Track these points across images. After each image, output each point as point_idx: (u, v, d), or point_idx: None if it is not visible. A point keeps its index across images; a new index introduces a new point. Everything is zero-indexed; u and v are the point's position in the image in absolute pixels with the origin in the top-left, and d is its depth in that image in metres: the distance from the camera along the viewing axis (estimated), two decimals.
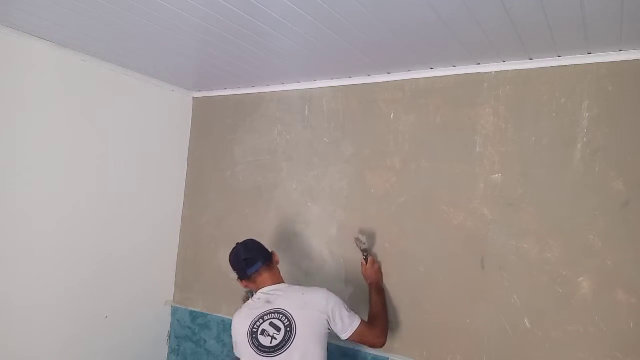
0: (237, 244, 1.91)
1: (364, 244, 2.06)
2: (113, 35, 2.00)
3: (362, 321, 1.81)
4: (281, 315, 1.70)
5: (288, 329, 1.67)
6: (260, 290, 1.83)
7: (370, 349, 2.13)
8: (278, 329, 1.68)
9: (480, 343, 1.90)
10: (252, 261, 1.83)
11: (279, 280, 1.89)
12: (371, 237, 2.17)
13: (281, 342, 1.66)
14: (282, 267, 2.42)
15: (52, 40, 2.13)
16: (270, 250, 1.95)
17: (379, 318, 1.91)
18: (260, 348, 1.68)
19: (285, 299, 1.76)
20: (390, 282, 2.13)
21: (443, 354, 1.98)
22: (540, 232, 1.83)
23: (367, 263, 2.07)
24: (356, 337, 1.79)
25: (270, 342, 1.67)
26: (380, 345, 1.85)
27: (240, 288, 2.05)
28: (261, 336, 1.69)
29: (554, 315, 1.77)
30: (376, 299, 1.98)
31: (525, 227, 1.86)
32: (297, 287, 1.87)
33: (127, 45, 2.12)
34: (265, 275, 1.85)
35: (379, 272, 2.10)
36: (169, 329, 2.88)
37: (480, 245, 1.94)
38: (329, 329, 1.75)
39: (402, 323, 2.09)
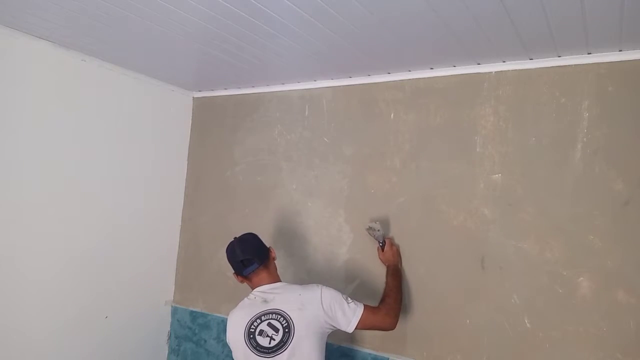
0: (235, 238, 1.88)
1: (379, 230, 2.01)
2: (113, 35, 2.00)
3: (366, 307, 1.75)
4: (279, 316, 1.69)
5: (286, 330, 1.67)
6: (257, 289, 1.81)
7: (369, 349, 2.14)
8: (276, 330, 1.68)
9: (480, 343, 1.90)
10: (249, 262, 1.80)
11: (275, 279, 1.86)
12: (384, 223, 2.15)
13: (279, 342, 1.66)
14: (284, 267, 2.43)
15: (52, 40, 2.13)
16: (267, 246, 1.91)
17: (387, 297, 1.84)
18: (258, 348, 1.68)
19: (282, 299, 1.74)
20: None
21: (443, 354, 1.98)
22: (540, 232, 1.83)
23: (383, 249, 2.04)
24: (362, 325, 1.72)
25: (269, 343, 1.67)
26: (390, 326, 1.78)
27: (240, 286, 2.04)
28: (259, 336, 1.68)
29: (554, 315, 1.77)
30: (391, 282, 1.92)
31: (525, 227, 1.86)
32: (295, 286, 1.84)
33: (127, 45, 2.12)
34: (262, 275, 1.83)
35: (397, 254, 2.06)
36: (169, 329, 2.88)
37: (480, 245, 1.94)
38: (331, 327, 1.72)
39: (402, 323, 2.08)
